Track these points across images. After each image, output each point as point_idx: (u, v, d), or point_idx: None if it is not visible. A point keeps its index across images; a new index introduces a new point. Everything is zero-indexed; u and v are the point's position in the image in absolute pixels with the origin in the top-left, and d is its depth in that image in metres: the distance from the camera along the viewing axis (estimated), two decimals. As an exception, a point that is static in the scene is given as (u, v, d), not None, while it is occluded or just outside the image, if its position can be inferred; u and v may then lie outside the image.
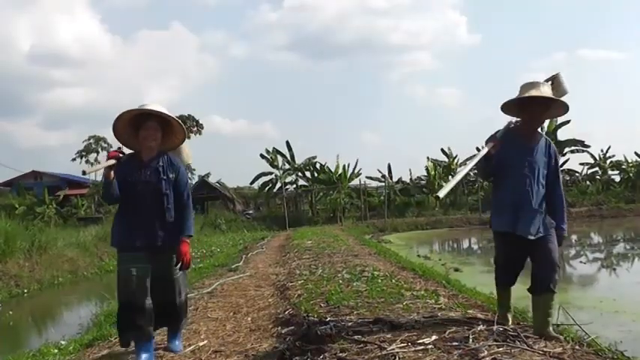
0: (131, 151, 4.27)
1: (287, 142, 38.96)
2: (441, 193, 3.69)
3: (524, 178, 4.19)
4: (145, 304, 4.07)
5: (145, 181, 4.13)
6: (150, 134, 4.12)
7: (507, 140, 4.15)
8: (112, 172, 3.98)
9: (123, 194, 4.09)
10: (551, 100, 4.19)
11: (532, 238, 4.14)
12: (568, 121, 34.62)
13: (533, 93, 4.12)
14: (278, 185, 39.17)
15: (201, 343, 4.74)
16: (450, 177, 39.70)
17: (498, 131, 4.22)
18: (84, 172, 4.53)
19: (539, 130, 4.40)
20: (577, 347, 3.86)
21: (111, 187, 4.02)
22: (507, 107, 4.30)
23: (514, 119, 4.35)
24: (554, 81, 4.27)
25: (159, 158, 4.22)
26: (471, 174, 42.40)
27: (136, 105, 4.20)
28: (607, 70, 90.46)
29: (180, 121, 4.25)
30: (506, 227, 4.23)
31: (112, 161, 3.97)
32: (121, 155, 4.06)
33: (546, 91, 4.15)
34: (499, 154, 4.10)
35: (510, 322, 4.45)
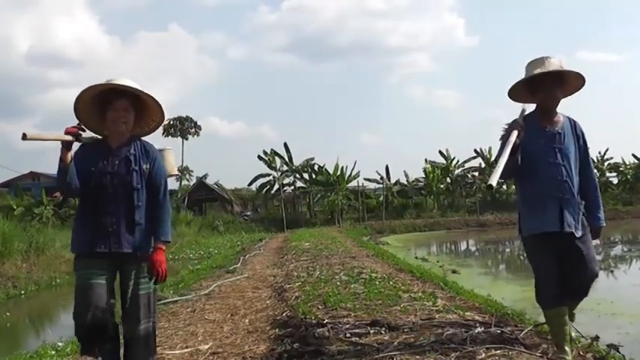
0: (97, 136, 3.48)
1: (285, 144, 39.08)
2: (494, 181, 3.20)
3: (558, 168, 3.64)
4: (108, 325, 3.27)
5: (111, 172, 3.34)
6: (119, 116, 3.34)
7: (528, 129, 3.58)
8: (69, 155, 3.20)
9: (84, 187, 3.30)
10: (562, 74, 3.68)
11: (579, 234, 3.60)
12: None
13: (541, 70, 3.62)
14: (276, 187, 39.23)
15: (198, 346, 4.73)
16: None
17: (515, 120, 3.64)
18: (24, 136, 3.02)
19: (558, 110, 3.79)
20: (574, 349, 3.86)
21: (67, 174, 3.20)
22: (516, 93, 3.82)
23: (526, 106, 3.82)
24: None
25: (130, 145, 3.43)
26: (469, 176, 42.60)
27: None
28: (605, 73, 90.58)
29: (156, 99, 3.43)
30: (551, 226, 3.59)
31: (68, 137, 3.18)
32: (80, 133, 3.25)
33: (554, 63, 3.65)
34: (523, 145, 3.53)
35: (571, 357, 3.61)
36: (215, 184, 44.84)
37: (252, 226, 34.27)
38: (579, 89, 3.83)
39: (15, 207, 32.22)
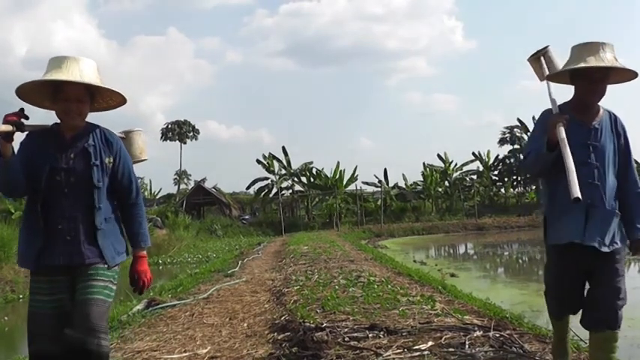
0: (46, 125, 2.89)
1: (283, 148, 39.17)
2: (578, 193, 2.81)
3: (590, 169, 3.13)
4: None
5: (66, 168, 2.75)
6: (72, 108, 2.77)
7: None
8: (10, 147, 2.63)
9: (32, 186, 2.74)
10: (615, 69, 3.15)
11: (606, 250, 3.09)
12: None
13: (596, 63, 3.09)
14: (274, 190, 39.27)
15: (197, 350, 4.72)
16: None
17: (552, 112, 3.20)
18: None
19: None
20: (573, 353, 3.86)
21: (9, 170, 2.65)
22: (555, 75, 3.33)
23: (552, 86, 3.32)
24: (545, 57, 3.43)
25: (89, 135, 2.85)
26: (467, 179, 42.64)
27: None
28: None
29: (115, 89, 2.86)
30: (573, 236, 3.11)
31: (8, 127, 2.58)
32: (23, 121, 2.65)
33: (609, 58, 3.11)
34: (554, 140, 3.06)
35: None
36: (213, 187, 44.83)
37: (250, 230, 34.28)
38: (627, 82, 3.36)
39: (13, 211, 32.18)
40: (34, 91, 2.83)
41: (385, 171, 41.37)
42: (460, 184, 42.11)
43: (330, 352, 4.06)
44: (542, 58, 3.43)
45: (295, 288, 7.63)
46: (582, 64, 3.09)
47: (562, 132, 3.00)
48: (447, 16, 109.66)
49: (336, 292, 6.80)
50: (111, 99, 2.98)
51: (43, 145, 2.78)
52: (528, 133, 41.21)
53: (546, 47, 3.46)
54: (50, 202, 2.75)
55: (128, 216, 2.96)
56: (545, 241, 3.33)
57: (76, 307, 2.72)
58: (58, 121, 2.85)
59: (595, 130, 3.20)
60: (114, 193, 2.91)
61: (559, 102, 3.26)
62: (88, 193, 2.78)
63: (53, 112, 2.88)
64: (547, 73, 3.36)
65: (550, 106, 3.25)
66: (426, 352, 3.86)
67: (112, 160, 2.86)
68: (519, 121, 41.91)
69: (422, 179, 41.94)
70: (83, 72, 2.75)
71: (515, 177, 42.89)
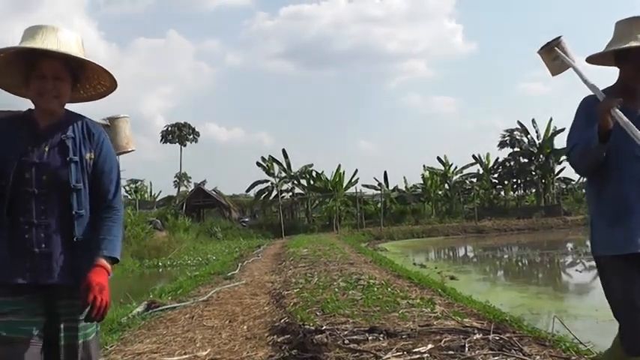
0: (17, 110, 2.43)
1: (283, 150, 39.22)
2: None
3: None
4: None
5: (38, 163, 2.21)
6: (47, 87, 2.22)
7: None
8: None
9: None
10: None
11: None
12: (564, 129, 34.82)
13: None
14: (274, 193, 39.29)
15: (197, 352, 4.73)
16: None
17: (592, 96, 2.76)
18: None
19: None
20: (573, 357, 3.87)
21: None
22: (597, 55, 2.87)
23: (585, 68, 2.92)
24: (558, 47, 3.08)
25: (68, 125, 2.30)
26: (467, 182, 42.65)
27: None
28: (605, 78, 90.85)
29: (101, 65, 2.31)
30: (628, 247, 2.58)
31: None
32: None
33: None
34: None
35: None
36: (213, 190, 44.87)
37: (250, 233, 34.32)
38: None
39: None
40: (2, 71, 2.32)
41: (385, 174, 41.46)
42: (460, 186, 42.13)
43: (330, 354, 4.07)
44: (556, 48, 3.08)
45: (295, 290, 7.63)
46: (634, 43, 2.63)
47: (622, 115, 2.51)
48: (448, 18, 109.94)
49: (335, 295, 6.81)
50: (99, 82, 2.44)
51: (12, 134, 2.25)
52: (529, 136, 41.31)
53: (559, 37, 3.11)
54: (17, 205, 2.19)
55: (98, 219, 2.30)
56: (592, 250, 2.82)
57: (63, 355, 2.22)
58: (33, 107, 2.32)
59: None
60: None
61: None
62: (64, 196, 2.23)
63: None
64: (570, 62, 3.01)
65: (591, 95, 2.78)
66: (425, 355, 3.86)
67: (93, 156, 2.31)
68: (519, 123, 41.92)
69: (422, 182, 41.97)
70: (61, 42, 2.23)
71: (515, 180, 42.93)
